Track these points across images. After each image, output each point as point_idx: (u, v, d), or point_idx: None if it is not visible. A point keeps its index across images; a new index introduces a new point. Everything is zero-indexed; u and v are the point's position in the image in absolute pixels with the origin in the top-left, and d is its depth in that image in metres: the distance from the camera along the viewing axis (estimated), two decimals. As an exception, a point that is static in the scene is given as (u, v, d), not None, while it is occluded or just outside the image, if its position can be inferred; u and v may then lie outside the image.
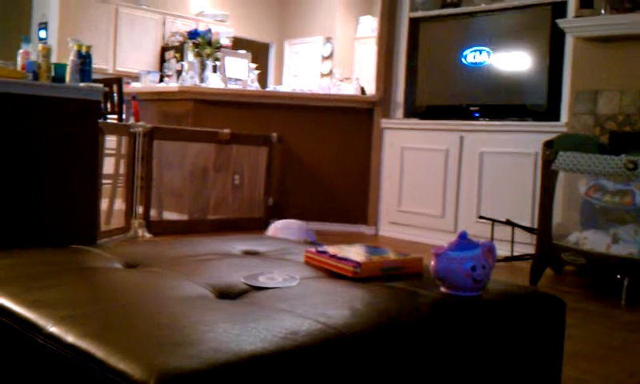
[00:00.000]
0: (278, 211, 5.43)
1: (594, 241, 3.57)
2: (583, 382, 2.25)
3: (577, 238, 3.65)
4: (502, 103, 4.95)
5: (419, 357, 1.24)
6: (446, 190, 5.15)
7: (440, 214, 5.10)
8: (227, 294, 1.36)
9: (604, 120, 4.22)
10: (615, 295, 3.45)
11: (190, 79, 6.03)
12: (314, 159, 5.65)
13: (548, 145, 3.76)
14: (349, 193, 5.66)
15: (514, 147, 4.72)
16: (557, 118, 4.60)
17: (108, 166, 4.45)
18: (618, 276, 3.43)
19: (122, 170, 4.71)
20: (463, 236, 1.48)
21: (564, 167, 3.67)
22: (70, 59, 3.65)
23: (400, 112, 5.60)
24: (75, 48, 3.67)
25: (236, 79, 6.31)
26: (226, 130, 5.23)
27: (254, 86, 6.31)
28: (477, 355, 1.37)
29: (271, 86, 6.12)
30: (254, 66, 6.73)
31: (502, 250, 4.46)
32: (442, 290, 1.45)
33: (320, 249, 1.68)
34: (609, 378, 2.30)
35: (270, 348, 1.04)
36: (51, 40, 6.78)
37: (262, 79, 6.38)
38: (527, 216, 4.54)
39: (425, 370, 1.25)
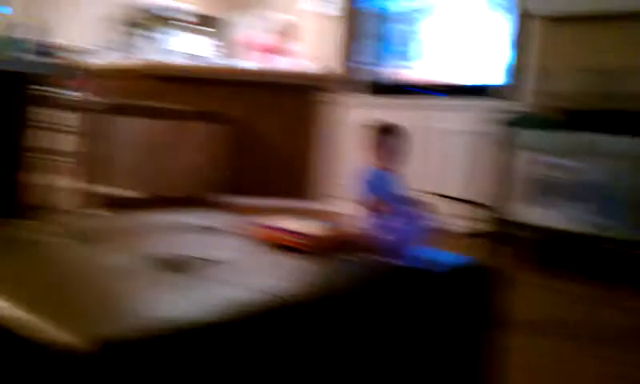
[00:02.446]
0: (229, 188, 5.41)
1: (546, 216, 3.67)
2: (529, 352, 2.32)
3: (518, 212, 3.73)
4: (458, 81, 5.00)
5: (362, 325, 1.27)
6: (358, 163, 5.17)
7: (394, 192, 5.15)
8: (171, 266, 1.36)
9: (560, 98, 4.30)
10: (565, 269, 3.54)
11: (143, 54, 5.94)
12: (265, 135, 5.62)
13: (505, 123, 3.83)
14: (292, 168, 5.66)
15: (469, 125, 4.77)
16: (516, 97, 4.66)
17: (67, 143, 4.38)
18: (569, 250, 3.53)
19: (78, 148, 4.63)
20: (402, 206, 1.51)
21: (520, 144, 3.75)
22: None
23: (344, 87, 5.62)
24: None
25: (192, 55, 6.23)
26: (181, 106, 5.17)
27: (209, 62, 6.25)
28: (416, 324, 1.40)
29: (225, 62, 6.06)
30: (211, 41, 6.65)
31: (455, 226, 4.53)
32: (384, 259, 1.47)
33: (266, 222, 1.69)
34: (554, 347, 2.38)
35: (210, 317, 1.04)
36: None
37: (220, 55, 6.32)
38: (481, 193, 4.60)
39: (368, 337, 1.28)
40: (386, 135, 2.30)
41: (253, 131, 5.63)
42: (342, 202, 5.41)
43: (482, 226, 3.80)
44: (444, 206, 4.48)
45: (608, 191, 3.57)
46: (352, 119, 5.45)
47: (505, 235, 3.82)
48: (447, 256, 1.65)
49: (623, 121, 3.88)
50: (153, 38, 6.39)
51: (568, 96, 4.22)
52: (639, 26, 3.96)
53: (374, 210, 1.53)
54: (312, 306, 1.19)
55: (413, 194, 2.26)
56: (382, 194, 2.24)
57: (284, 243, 1.57)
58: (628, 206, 3.49)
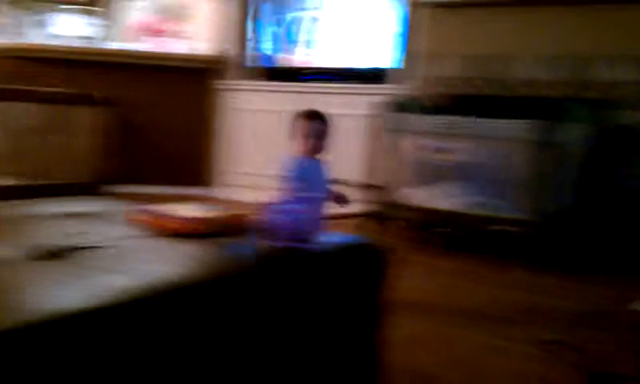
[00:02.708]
0: (111, 175, 5.24)
1: (422, 196, 3.80)
2: (403, 325, 2.41)
3: (406, 194, 3.86)
4: (341, 65, 5.07)
5: (247, 308, 1.27)
6: (283, 151, 5.21)
7: (277, 174, 5.16)
8: (45, 255, 1.31)
9: (439, 83, 4.45)
10: (451, 248, 3.69)
11: (10, 35, 5.61)
12: (148, 120, 5.48)
13: (381, 107, 3.92)
14: (185, 154, 5.58)
15: (352, 109, 4.85)
16: (394, 80, 4.79)
17: None
18: (443, 228, 3.68)
19: None
20: (289, 189, 1.52)
21: (394, 127, 3.85)
22: None
23: (236, 73, 5.58)
24: None
25: (66, 36, 5.94)
26: (54, 89, 4.95)
27: (88, 43, 5.99)
28: (306, 305, 1.42)
29: (106, 44, 5.83)
30: (99, 23, 6.37)
31: (343, 209, 4.60)
32: (270, 242, 1.48)
33: (146, 207, 1.66)
34: (426, 321, 2.48)
35: (86, 305, 1.02)
36: None
37: (100, 36, 6.07)
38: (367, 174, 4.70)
39: (250, 321, 1.28)
40: (312, 121, 2.29)
41: (143, 116, 5.48)
42: (237, 188, 5.38)
43: (373, 208, 3.89)
44: (338, 189, 4.59)
45: (490, 172, 3.74)
46: (246, 105, 5.41)
47: (394, 216, 3.93)
48: (338, 237, 1.68)
49: (504, 105, 4.08)
50: (38, 20, 6.05)
51: (453, 81, 4.38)
52: (521, 14, 4.16)
53: (292, 196, 1.54)
54: (196, 290, 1.18)
55: (334, 181, 2.33)
56: (307, 181, 2.29)
57: (169, 228, 1.55)
58: (509, 186, 3.68)
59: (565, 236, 3.75)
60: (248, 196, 5.29)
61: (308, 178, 2.28)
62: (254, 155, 5.38)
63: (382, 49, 4.83)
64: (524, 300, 2.91)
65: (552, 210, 3.51)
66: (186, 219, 1.52)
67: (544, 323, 2.58)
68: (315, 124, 2.31)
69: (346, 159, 4.78)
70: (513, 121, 3.45)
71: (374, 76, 4.85)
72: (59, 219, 1.71)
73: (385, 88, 4.67)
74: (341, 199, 2.62)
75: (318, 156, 2.36)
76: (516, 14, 4.16)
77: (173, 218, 1.54)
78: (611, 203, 3.86)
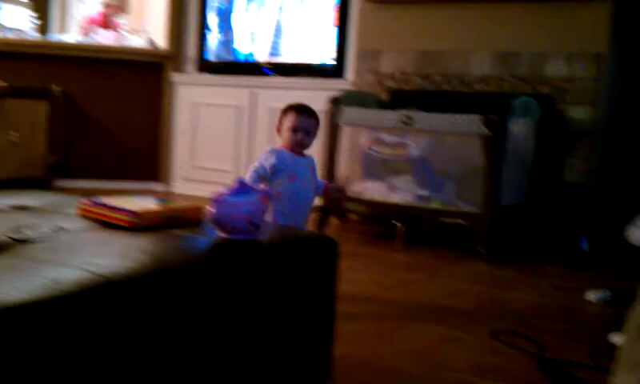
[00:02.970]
0: (62, 170, 5.14)
1: (375, 190, 3.81)
2: (360, 318, 2.41)
3: (359, 188, 3.86)
4: (292, 61, 5.06)
5: (196, 300, 1.25)
6: (239, 146, 5.19)
7: (234, 169, 5.13)
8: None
9: (385, 78, 4.48)
10: (393, 240, 3.71)
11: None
12: (101, 115, 5.38)
13: (333, 101, 3.92)
14: (140, 149, 5.49)
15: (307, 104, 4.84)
16: (343, 75, 4.80)
17: None
18: (396, 222, 3.69)
19: None
20: (241, 181, 1.49)
21: (347, 122, 3.85)
22: None
23: (192, 67, 5.51)
24: None
25: (11, 28, 5.78)
26: (4, 83, 4.81)
27: (34, 35, 5.83)
28: (255, 297, 1.40)
29: (54, 36, 5.69)
30: (33, 13, 6.20)
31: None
32: (221, 235, 1.46)
33: (96, 200, 1.61)
34: (383, 314, 2.48)
35: (29, 298, 0.98)
36: None
37: (44, 29, 5.92)
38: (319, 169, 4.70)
39: (201, 313, 1.26)
40: (300, 115, 2.36)
41: (98, 110, 5.37)
42: (193, 182, 5.32)
43: (318, 202, 3.88)
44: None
45: (442, 166, 3.78)
46: (201, 99, 5.35)
47: (350, 211, 3.94)
48: (289, 229, 1.67)
49: (457, 100, 4.13)
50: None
51: (408, 76, 4.41)
52: (477, 10, 4.20)
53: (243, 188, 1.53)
54: (145, 282, 1.15)
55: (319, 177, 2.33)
56: (286, 175, 2.31)
57: (110, 220, 1.51)
58: (460, 180, 3.72)
59: (516, 228, 3.81)
60: (204, 190, 5.24)
61: (287, 171, 2.31)
62: (210, 149, 5.32)
63: (336, 44, 4.83)
64: (479, 292, 2.94)
65: (503, 203, 3.56)
66: (137, 212, 1.49)
67: (499, 315, 2.61)
68: (303, 118, 2.37)
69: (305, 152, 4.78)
70: (465, 116, 3.48)
71: (329, 71, 4.85)
72: (7, 213, 1.65)
73: (340, 83, 4.67)
74: (336, 194, 2.63)
75: (303, 151, 2.41)
76: (472, 10, 4.21)
77: (123, 210, 1.50)
78: (558, 195, 3.93)
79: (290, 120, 2.36)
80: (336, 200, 2.99)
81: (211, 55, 5.40)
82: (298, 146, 2.38)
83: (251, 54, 5.26)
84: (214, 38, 5.38)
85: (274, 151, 2.36)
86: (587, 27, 3.88)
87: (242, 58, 5.30)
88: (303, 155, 2.42)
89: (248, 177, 2.26)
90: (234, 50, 5.34)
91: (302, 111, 2.38)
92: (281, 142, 2.42)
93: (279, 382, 1.53)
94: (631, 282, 1.81)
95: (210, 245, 1.41)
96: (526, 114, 3.77)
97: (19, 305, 0.96)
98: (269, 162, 2.30)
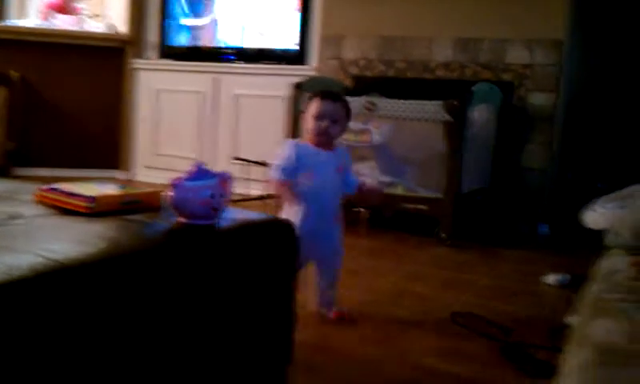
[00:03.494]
0: (21, 157, 5.04)
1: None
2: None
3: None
4: (255, 47, 5.03)
5: (154, 285, 1.23)
6: (203, 132, 5.15)
7: (196, 156, 5.08)
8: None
9: (348, 64, 4.48)
10: (356, 226, 3.72)
11: None
12: (61, 101, 5.28)
13: (297, 87, 3.91)
14: (101, 137, 5.41)
15: (268, 90, 4.83)
16: (306, 62, 4.79)
17: None
18: (359, 208, 3.71)
19: None
20: (200, 166, 1.48)
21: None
22: None
23: (154, 53, 5.45)
24: None
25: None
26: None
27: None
28: (214, 281, 1.40)
29: (10, 21, 5.56)
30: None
31: (257, 190, 4.58)
32: (180, 219, 1.45)
33: (52, 186, 1.59)
34: (352, 299, 2.49)
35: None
36: None
37: (2, 14, 5.78)
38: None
39: (160, 297, 1.25)
40: (325, 101, 2.12)
41: (58, 96, 5.26)
42: (154, 170, 5.26)
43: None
44: (244, 169, 4.56)
45: (404, 153, 3.79)
46: (164, 85, 5.28)
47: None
48: (248, 214, 1.66)
49: (419, 86, 4.14)
50: None
51: (370, 62, 4.41)
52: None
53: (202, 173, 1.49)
54: (102, 267, 1.14)
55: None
56: (304, 170, 2.12)
57: (67, 206, 1.49)
58: (422, 166, 3.75)
59: (478, 214, 3.85)
60: (166, 178, 5.18)
61: (305, 168, 2.11)
62: (172, 136, 5.27)
63: (299, 30, 4.81)
64: (441, 276, 2.97)
65: (464, 189, 3.59)
66: (94, 197, 1.47)
67: (461, 298, 2.64)
68: (329, 104, 2.13)
69: (266, 140, 4.77)
70: (427, 102, 3.51)
71: (293, 57, 4.84)
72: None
73: (304, 69, 4.66)
74: (369, 195, 2.38)
75: (329, 142, 2.16)
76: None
77: (80, 196, 1.48)
78: (519, 181, 3.99)
79: (314, 107, 2.13)
80: (371, 200, 2.70)
81: (174, 41, 5.33)
82: (323, 136, 2.13)
83: (214, 40, 5.21)
84: (175, 23, 5.32)
85: (293, 144, 2.16)
86: (548, 14, 3.93)
87: (205, 44, 5.25)
88: (330, 148, 2.17)
89: (273, 177, 2.09)
90: (196, 36, 5.29)
91: (326, 96, 2.15)
92: (305, 132, 2.22)
93: (239, 368, 1.53)
94: (589, 266, 1.85)
95: (167, 230, 1.40)
96: (488, 100, 3.81)
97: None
98: (288, 155, 2.11)
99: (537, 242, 3.82)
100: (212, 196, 1.43)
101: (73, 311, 1.06)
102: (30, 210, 1.48)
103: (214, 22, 5.19)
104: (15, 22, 5.49)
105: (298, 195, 2.11)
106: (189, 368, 1.33)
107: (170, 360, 1.29)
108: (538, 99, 3.97)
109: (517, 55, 4.01)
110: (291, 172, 2.11)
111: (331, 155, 2.16)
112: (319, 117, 2.11)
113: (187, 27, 5.30)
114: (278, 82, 4.71)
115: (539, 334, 2.20)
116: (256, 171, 4.64)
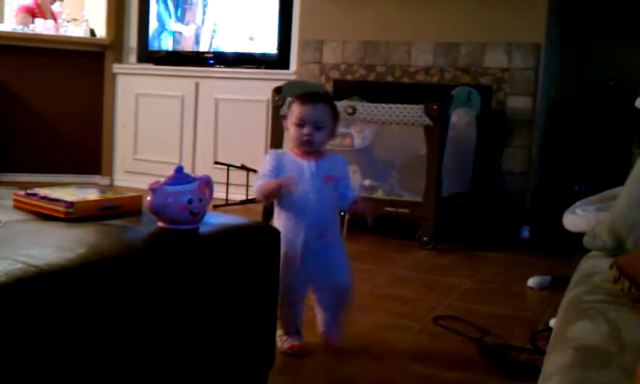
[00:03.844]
0: (2, 164, 4.99)
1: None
2: (305, 306, 2.41)
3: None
4: (235, 51, 5.02)
5: (134, 290, 1.23)
6: (183, 137, 5.12)
7: (177, 160, 5.06)
8: None
9: (329, 68, 4.49)
10: (343, 229, 3.71)
11: None
12: (41, 106, 5.23)
13: (277, 91, 3.90)
14: (81, 142, 5.36)
15: (248, 94, 4.83)
16: (287, 66, 4.79)
17: None
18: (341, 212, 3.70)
19: None
20: (179, 170, 1.48)
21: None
22: None
23: (133, 57, 5.41)
24: None
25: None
26: None
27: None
28: (196, 287, 1.39)
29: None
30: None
31: (238, 194, 4.57)
32: (160, 224, 1.44)
33: (30, 191, 1.57)
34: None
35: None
36: None
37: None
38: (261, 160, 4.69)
39: (141, 303, 1.24)
40: (306, 105, 1.90)
41: (38, 101, 5.20)
42: (136, 175, 5.22)
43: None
44: (225, 174, 4.54)
45: (385, 156, 3.80)
46: (145, 90, 5.25)
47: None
48: (223, 218, 1.65)
49: (400, 91, 4.16)
50: None
51: (351, 67, 4.42)
52: (397, 1, 4.23)
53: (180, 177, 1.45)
54: (71, 273, 1.13)
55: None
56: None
57: (46, 212, 1.47)
58: (403, 170, 3.76)
59: (459, 217, 3.87)
60: (147, 183, 5.15)
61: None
62: (153, 141, 5.24)
63: (278, 34, 4.81)
64: (423, 279, 2.98)
65: (445, 193, 3.61)
66: (73, 202, 1.45)
67: (442, 301, 2.65)
68: (310, 108, 1.89)
69: (248, 145, 4.76)
70: (407, 106, 3.52)
71: (273, 61, 4.83)
72: None
73: (284, 73, 4.66)
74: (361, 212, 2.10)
75: (314, 151, 1.93)
76: (413, 1, 4.24)
77: (59, 201, 1.47)
78: (499, 184, 4.01)
79: (294, 112, 1.91)
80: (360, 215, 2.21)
81: (155, 45, 5.30)
82: (305, 145, 1.90)
83: (194, 44, 5.19)
84: (155, 28, 5.29)
85: (273, 153, 1.98)
86: (526, 18, 3.96)
87: (186, 49, 5.23)
88: (316, 157, 1.94)
89: (254, 190, 1.92)
90: (177, 40, 5.26)
91: (308, 100, 1.91)
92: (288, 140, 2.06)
93: (223, 372, 1.52)
94: (570, 268, 1.86)
95: (147, 235, 1.39)
96: (467, 104, 3.83)
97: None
98: (269, 165, 1.91)
99: (518, 245, 3.84)
100: (192, 200, 1.42)
101: (53, 317, 1.05)
102: (8, 216, 1.47)
103: (196, 27, 5.17)
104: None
105: (281, 203, 1.94)
106: (171, 372, 1.32)
107: (153, 364, 1.28)
108: (517, 103, 4.00)
109: (495, 59, 4.04)
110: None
111: (318, 164, 1.92)
112: (300, 123, 1.88)
113: (168, 31, 5.28)
114: (260, 87, 4.71)
115: (521, 336, 2.22)
116: (237, 176, 4.63)
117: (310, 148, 1.90)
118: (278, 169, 1.89)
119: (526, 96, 3.97)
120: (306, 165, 1.90)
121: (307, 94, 1.95)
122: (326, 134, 1.92)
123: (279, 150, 1.97)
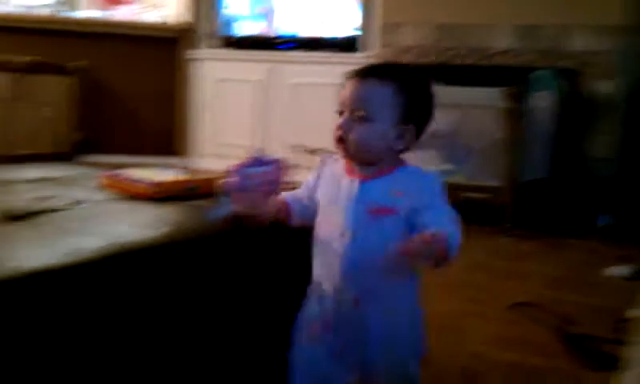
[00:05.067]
0: (87, 145, 5.18)
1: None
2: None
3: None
4: (312, 35, 5.03)
5: (212, 270, 1.26)
6: (259, 121, 5.18)
7: (254, 144, 5.12)
8: (14, 217, 1.29)
9: (405, 51, 4.43)
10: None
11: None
12: (123, 91, 5.41)
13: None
14: (158, 124, 5.51)
15: (324, 78, 4.82)
16: (364, 49, 4.77)
17: None
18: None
19: None
20: (258, 153, 1.49)
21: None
22: None
23: (212, 42, 5.50)
24: None
25: (32, 5, 5.80)
26: (24, 59, 4.84)
27: (55, 10, 5.85)
28: (267, 268, 1.40)
29: (71, 12, 5.70)
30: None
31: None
32: (236, 206, 1.45)
33: (117, 172, 1.63)
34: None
35: (52, 264, 1.00)
36: None
37: (57, 4, 5.91)
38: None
39: (218, 282, 1.27)
40: (351, 82, 1.21)
41: (115, 86, 5.39)
42: (211, 157, 5.33)
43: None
44: (301, 157, 4.57)
45: (463, 140, 3.75)
46: (218, 74, 5.34)
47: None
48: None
49: (478, 74, 4.08)
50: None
51: (427, 49, 4.36)
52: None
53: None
54: (157, 251, 1.16)
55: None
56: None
57: (130, 191, 1.52)
58: (482, 153, 3.69)
59: (539, 202, 3.77)
60: (221, 165, 5.23)
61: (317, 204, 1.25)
62: (230, 125, 5.33)
63: (352, 17, 4.79)
64: (501, 266, 2.93)
65: (525, 177, 3.52)
66: (157, 182, 1.50)
67: (521, 288, 2.60)
68: (353, 87, 1.19)
69: (324, 129, 4.76)
70: (486, 89, 3.45)
71: (345, 44, 4.82)
72: (32, 183, 1.68)
73: (362, 57, 4.64)
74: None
75: (357, 157, 1.19)
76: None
77: (143, 181, 1.52)
78: (582, 170, 3.89)
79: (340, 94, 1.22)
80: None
81: (228, 30, 5.37)
82: (338, 143, 1.18)
83: (268, 29, 5.23)
84: (231, 13, 5.36)
85: (322, 162, 1.31)
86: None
87: (258, 33, 5.27)
88: (365, 173, 1.19)
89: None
90: (251, 25, 5.31)
91: (354, 75, 1.22)
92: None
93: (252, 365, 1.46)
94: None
95: (227, 215, 1.41)
96: (549, 87, 3.71)
97: (43, 270, 0.98)
98: (309, 177, 1.32)
99: (600, 233, 3.72)
100: (270, 183, 1.43)
101: (135, 293, 1.09)
102: (95, 195, 1.53)
103: (271, 11, 5.21)
104: (73, 13, 5.60)
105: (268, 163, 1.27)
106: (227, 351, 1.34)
107: (215, 342, 1.30)
108: (603, 87, 3.85)
109: (579, 41, 3.90)
110: (301, 207, 1.28)
111: (366, 185, 1.17)
112: (338, 110, 1.20)
113: (244, 17, 5.34)
114: (335, 71, 4.69)
115: (603, 326, 2.15)
116: (313, 159, 4.65)
117: (343, 152, 1.18)
118: (315, 184, 1.27)
119: (610, 80, 3.82)
120: (346, 184, 1.19)
121: (361, 69, 1.22)
122: (382, 130, 1.16)
123: (336, 156, 1.22)
